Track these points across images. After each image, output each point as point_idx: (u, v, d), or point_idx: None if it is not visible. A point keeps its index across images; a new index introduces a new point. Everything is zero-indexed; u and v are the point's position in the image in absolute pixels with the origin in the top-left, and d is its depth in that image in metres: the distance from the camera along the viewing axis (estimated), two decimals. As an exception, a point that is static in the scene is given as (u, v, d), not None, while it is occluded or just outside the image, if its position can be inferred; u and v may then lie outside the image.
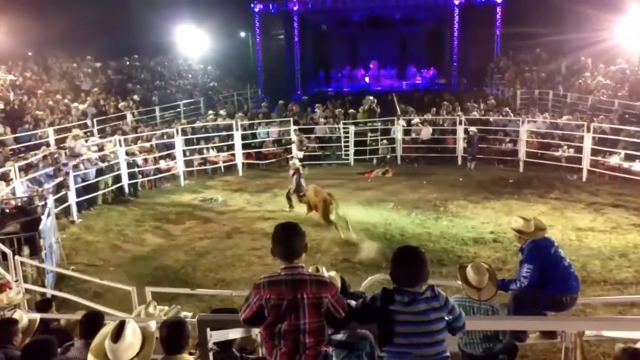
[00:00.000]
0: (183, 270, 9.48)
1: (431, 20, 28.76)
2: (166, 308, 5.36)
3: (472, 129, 16.25)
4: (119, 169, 14.06)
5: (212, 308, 6.80)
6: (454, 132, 17.04)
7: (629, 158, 13.90)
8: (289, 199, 12.48)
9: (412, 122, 18.01)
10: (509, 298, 5.07)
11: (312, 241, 10.00)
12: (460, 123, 16.77)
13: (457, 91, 24.94)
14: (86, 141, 14.75)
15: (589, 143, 14.33)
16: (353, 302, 3.35)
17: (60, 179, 12.43)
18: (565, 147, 15.36)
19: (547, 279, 4.95)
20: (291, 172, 12.56)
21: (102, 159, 14.01)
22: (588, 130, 14.38)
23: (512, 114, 17.79)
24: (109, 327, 3.20)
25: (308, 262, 9.59)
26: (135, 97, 20.76)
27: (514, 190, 13.80)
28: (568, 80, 20.49)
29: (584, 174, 14.38)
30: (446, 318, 3.13)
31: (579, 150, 14.63)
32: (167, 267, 9.68)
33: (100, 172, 13.63)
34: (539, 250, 4.98)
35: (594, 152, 14.39)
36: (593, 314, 6.99)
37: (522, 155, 15.71)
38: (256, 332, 4.30)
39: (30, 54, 21.13)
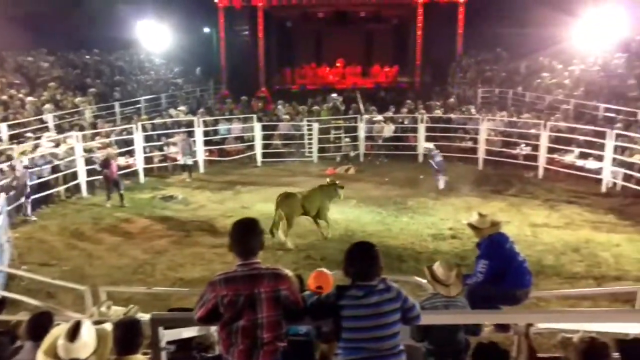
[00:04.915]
0: (141, 270, 9.30)
1: (396, 17, 28.82)
2: (121, 308, 5.27)
3: (428, 145, 15.08)
4: (75, 166, 13.66)
5: (170, 308, 6.71)
6: (414, 130, 17.23)
7: (582, 156, 14.30)
8: None
9: (375, 120, 18.11)
10: (464, 293, 5.16)
11: (274, 239, 9.97)
12: (422, 121, 16.95)
13: (421, 89, 25.14)
14: (39, 138, 14.30)
15: (546, 141, 14.76)
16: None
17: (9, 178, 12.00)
18: (523, 145, 15.65)
19: (501, 274, 5.09)
20: None
21: (56, 155, 13.55)
22: (545, 129, 14.80)
23: (474, 113, 18.08)
24: (61, 327, 3.13)
25: (269, 259, 9.53)
26: (93, 90, 20.14)
27: (473, 187, 14.05)
28: (527, 80, 20.97)
29: (540, 172, 14.77)
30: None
31: (536, 148, 15.03)
32: (124, 266, 9.47)
33: (55, 169, 13.23)
34: (495, 246, 5.11)
35: (550, 150, 14.82)
36: (546, 307, 7.19)
37: (481, 153, 16.00)
38: (213, 328, 4.26)
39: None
